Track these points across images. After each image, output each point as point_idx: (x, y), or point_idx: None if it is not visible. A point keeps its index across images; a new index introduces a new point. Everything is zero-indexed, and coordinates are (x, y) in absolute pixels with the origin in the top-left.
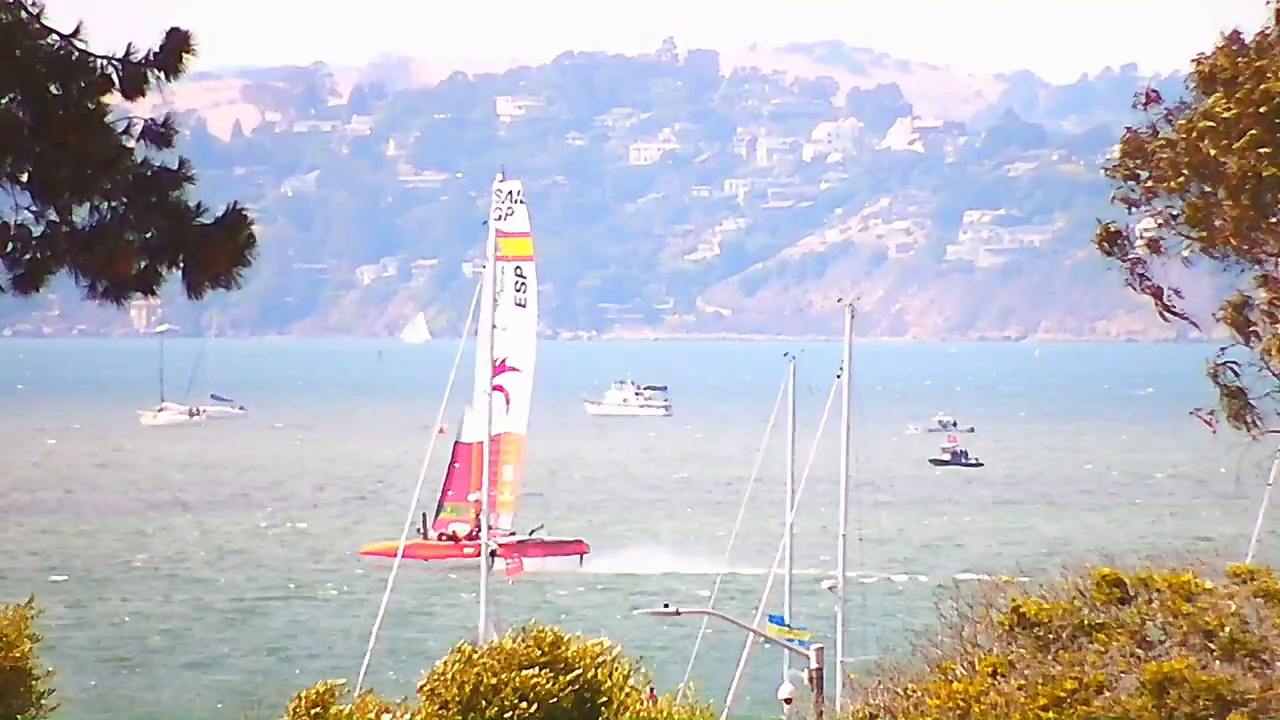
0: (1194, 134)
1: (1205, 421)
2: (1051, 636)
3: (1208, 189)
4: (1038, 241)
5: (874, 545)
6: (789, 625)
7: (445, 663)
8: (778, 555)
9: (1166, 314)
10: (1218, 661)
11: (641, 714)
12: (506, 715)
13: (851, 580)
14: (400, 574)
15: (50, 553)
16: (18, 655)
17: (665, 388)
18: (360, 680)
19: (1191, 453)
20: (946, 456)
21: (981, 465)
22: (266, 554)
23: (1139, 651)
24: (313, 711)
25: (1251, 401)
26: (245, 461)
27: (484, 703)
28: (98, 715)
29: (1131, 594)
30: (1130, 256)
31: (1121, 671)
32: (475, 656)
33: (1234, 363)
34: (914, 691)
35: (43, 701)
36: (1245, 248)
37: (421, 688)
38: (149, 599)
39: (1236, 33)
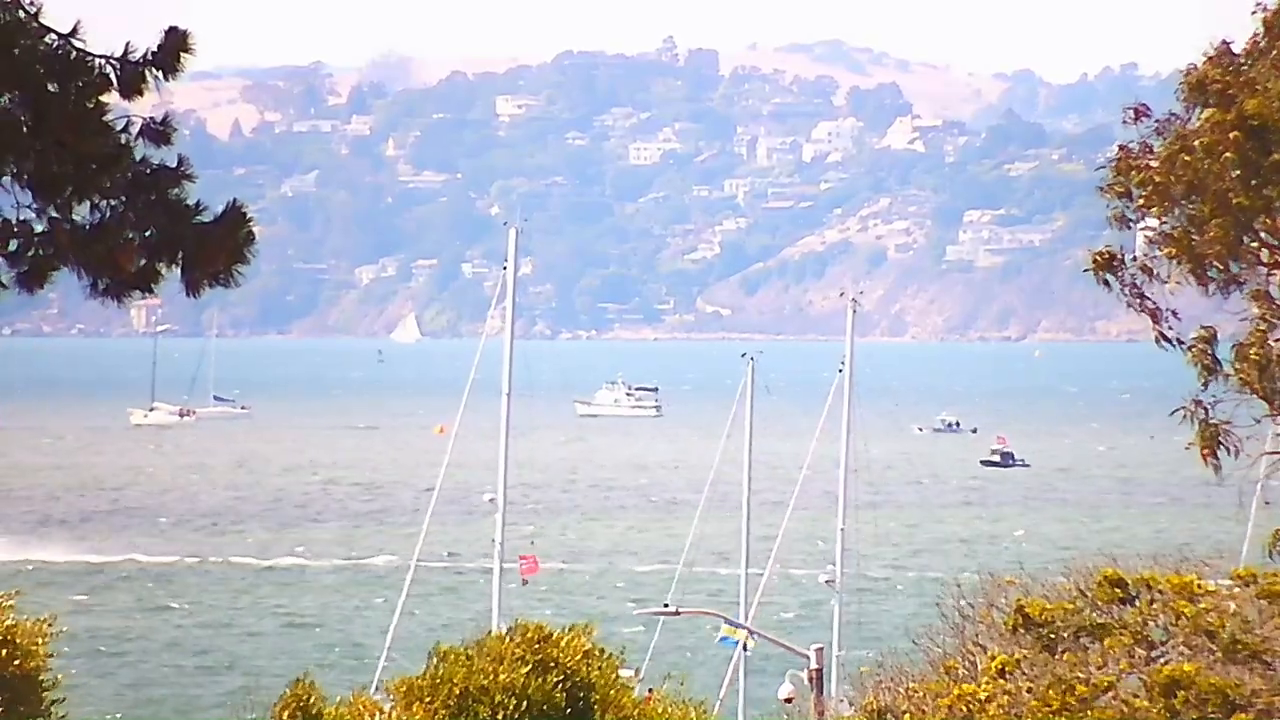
0: (1178, 156)
1: (1203, 456)
2: (1054, 636)
3: (1196, 203)
4: (1037, 241)
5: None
6: (744, 626)
7: (434, 664)
8: (770, 556)
9: (1162, 340)
10: (1220, 662)
11: (636, 712)
12: (499, 716)
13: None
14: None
15: None
16: (32, 665)
17: (657, 388)
18: (376, 678)
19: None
20: (996, 458)
21: (1029, 466)
22: None
23: (1141, 652)
24: (296, 714)
25: (1227, 430)
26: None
27: (475, 703)
28: (99, 715)
29: (1133, 594)
30: (1127, 281)
31: (1125, 671)
32: (461, 656)
33: (1204, 403)
34: (918, 691)
35: (53, 709)
36: (1231, 271)
37: (388, 687)
38: None
39: (1226, 43)
